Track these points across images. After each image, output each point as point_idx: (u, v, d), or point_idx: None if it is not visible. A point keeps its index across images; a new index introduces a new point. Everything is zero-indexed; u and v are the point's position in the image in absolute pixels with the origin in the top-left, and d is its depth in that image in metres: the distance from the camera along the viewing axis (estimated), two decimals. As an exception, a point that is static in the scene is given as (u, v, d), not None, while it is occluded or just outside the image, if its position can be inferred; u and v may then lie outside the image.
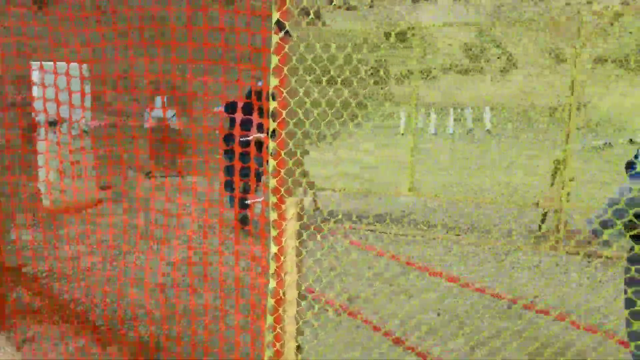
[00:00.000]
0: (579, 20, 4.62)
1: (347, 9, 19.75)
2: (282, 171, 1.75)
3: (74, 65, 6.26)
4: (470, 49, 18.84)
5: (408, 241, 5.09)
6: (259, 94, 4.93)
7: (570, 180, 4.48)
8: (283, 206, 1.77)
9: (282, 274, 1.82)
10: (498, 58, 19.12)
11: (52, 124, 5.45)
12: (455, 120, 14.11)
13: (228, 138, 5.04)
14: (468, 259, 4.54)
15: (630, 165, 2.12)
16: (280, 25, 1.68)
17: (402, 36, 18.12)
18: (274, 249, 1.82)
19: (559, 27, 19.45)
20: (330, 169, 7.51)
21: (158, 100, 8.24)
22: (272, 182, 1.76)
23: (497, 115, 14.82)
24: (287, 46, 1.69)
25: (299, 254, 1.80)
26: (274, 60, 1.69)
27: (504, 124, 14.05)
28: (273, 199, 1.77)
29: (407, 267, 4.26)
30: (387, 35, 19.07)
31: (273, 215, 1.79)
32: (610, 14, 18.49)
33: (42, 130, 5.50)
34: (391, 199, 6.71)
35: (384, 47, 18.91)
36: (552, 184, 4.63)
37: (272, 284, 1.84)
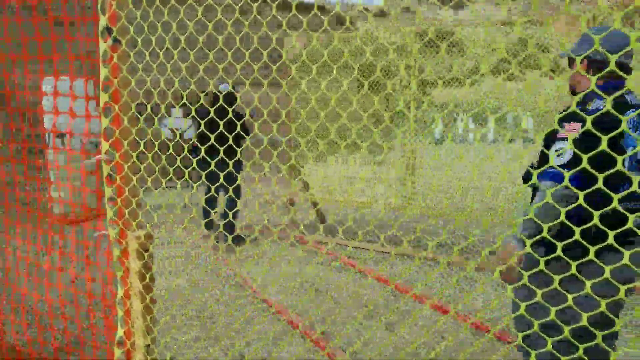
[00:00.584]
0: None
1: (380, 14, 19.35)
2: (120, 199, 1.49)
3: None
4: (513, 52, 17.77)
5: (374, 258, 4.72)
6: (226, 97, 4.71)
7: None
8: (124, 241, 1.51)
9: (130, 322, 1.55)
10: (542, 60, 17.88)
11: (61, 135, 5.56)
12: (496, 126, 13.25)
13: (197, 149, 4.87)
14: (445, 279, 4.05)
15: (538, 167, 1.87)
16: (109, 31, 1.44)
17: (439, 40, 17.48)
18: (120, 291, 1.56)
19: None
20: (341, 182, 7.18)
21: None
22: (110, 212, 1.50)
23: (542, 122, 13.77)
24: (116, 55, 1.44)
25: (146, 293, 1.53)
26: (104, 72, 1.45)
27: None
28: (113, 233, 1.52)
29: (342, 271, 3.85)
30: (423, 38, 18.47)
31: (116, 252, 1.53)
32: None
33: (51, 140, 5.55)
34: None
35: (419, 52, 18.31)
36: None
37: (120, 332, 1.57)
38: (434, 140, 13.48)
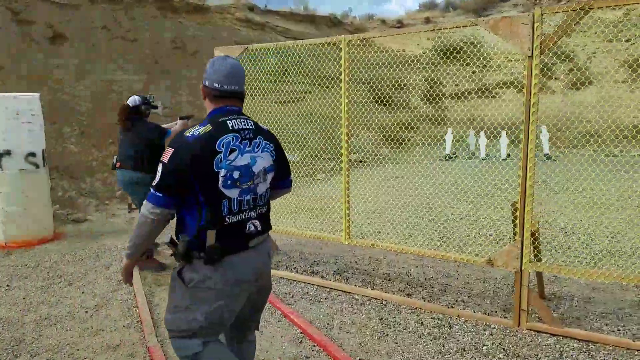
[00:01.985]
0: None
1: (398, 27, 19.28)
2: None
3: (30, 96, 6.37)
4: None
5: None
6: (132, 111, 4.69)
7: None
8: None
9: None
10: (566, 74, 17.51)
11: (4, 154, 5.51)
12: (510, 143, 12.93)
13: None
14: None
15: None
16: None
17: (458, 53, 17.28)
18: None
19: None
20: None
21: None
22: None
23: (561, 137, 13.44)
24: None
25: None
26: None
27: (569, 148, 12.63)
28: None
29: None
30: (444, 52, 18.30)
31: None
32: None
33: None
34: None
35: (438, 65, 18.17)
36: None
37: None
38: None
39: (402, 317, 3.66)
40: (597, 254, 4.99)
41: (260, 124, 2.12)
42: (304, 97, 16.02)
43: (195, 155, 1.82)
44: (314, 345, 3.21)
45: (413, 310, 3.76)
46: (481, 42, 17.78)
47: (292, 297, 4.10)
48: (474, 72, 18.05)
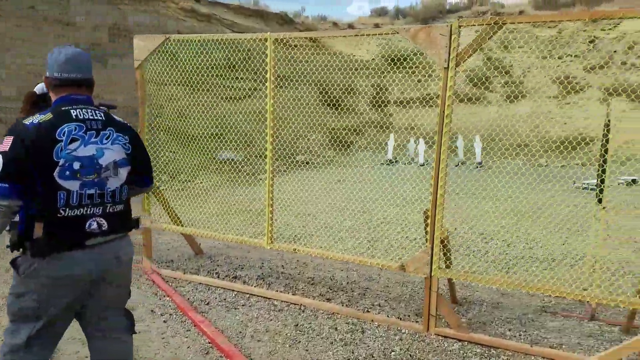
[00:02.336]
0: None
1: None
2: None
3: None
4: (475, 77, 18.23)
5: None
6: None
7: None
8: None
9: None
10: (502, 87, 18.44)
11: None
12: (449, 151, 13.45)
13: None
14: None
15: None
16: None
17: (405, 61, 17.71)
18: None
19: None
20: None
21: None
22: None
23: (495, 147, 14.11)
24: None
25: None
26: None
27: (500, 158, 13.29)
28: None
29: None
30: (389, 60, 18.68)
31: None
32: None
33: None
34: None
35: (385, 72, 18.53)
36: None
37: None
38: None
39: (318, 322, 3.64)
40: (511, 259, 5.23)
41: (115, 116, 2.06)
42: (251, 95, 15.77)
43: (34, 143, 1.76)
44: (221, 356, 3.11)
45: (329, 316, 3.75)
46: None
47: (207, 304, 3.96)
48: (419, 80, 18.56)
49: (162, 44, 4.17)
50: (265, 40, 3.81)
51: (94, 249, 1.92)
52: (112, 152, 1.94)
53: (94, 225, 1.90)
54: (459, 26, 3.10)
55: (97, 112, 1.96)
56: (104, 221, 1.92)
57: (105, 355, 2.15)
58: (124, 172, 2.00)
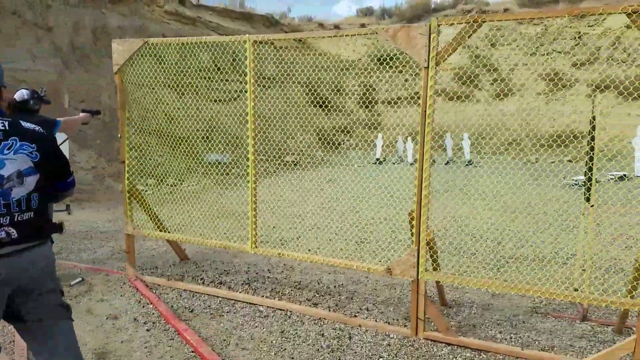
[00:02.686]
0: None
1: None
2: None
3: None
4: (463, 75, 18.25)
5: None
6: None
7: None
8: None
9: None
10: (491, 84, 18.49)
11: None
12: (437, 149, 13.40)
13: None
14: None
15: None
16: None
17: (392, 60, 17.67)
18: None
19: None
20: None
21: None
22: None
23: (485, 145, 14.12)
24: None
25: None
26: None
27: (489, 155, 13.28)
28: None
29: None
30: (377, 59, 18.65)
31: None
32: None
33: None
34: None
35: (372, 72, 18.51)
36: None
37: None
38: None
39: (304, 328, 3.54)
40: (501, 258, 5.18)
41: (25, 124, 2.01)
42: (238, 97, 15.63)
43: None
44: (203, 365, 3.00)
45: (316, 321, 3.66)
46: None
47: (191, 311, 3.85)
48: (406, 80, 18.57)
49: (140, 47, 4.05)
50: (245, 42, 3.72)
51: (7, 257, 1.88)
52: (15, 162, 1.90)
53: (3, 234, 1.86)
54: (438, 25, 3.03)
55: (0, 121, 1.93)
56: (13, 230, 1.89)
57: (51, 348, 2.09)
58: (31, 181, 1.96)
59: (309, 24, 20.27)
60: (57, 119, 4.24)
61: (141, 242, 5.95)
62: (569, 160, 13.03)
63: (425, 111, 3.06)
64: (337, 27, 20.20)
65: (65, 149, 7.30)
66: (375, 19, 21.95)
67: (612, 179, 10.44)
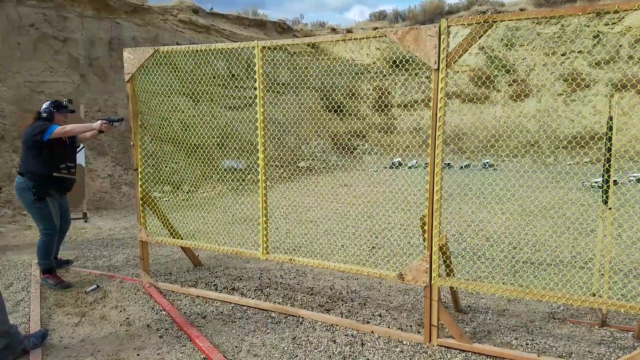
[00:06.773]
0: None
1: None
2: None
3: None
4: (481, 76, 18.03)
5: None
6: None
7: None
8: None
9: None
10: (510, 85, 18.22)
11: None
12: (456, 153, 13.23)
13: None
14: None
15: None
16: None
17: (407, 63, 17.58)
18: None
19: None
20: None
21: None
22: None
23: (503, 146, 13.89)
24: None
25: None
26: None
27: (510, 158, 13.06)
28: None
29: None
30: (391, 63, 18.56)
31: None
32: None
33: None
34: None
35: (387, 75, 18.43)
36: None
37: None
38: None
39: (316, 335, 3.51)
40: (517, 263, 5.06)
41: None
42: (253, 103, 15.75)
43: None
44: (214, 372, 3.00)
45: (328, 327, 3.63)
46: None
47: (204, 317, 3.86)
48: (422, 82, 18.44)
49: (151, 56, 4.11)
50: (254, 48, 3.73)
51: None
52: None
53: None
54: (448, 26, 2.99)
55: None
56: None
57: None
58: None
59: (322, 30, 20.32)
60: (53, 124, 4.33)
61: (157, 248, 6.01)
62: (590, 162, 12.73)
63: (436, 114, 3.01)
64: (349, 31, 20.21)
65: (81, 156, 7.46)
66: (389, 23, 21.89)
67: (632, 180, 10.16)
